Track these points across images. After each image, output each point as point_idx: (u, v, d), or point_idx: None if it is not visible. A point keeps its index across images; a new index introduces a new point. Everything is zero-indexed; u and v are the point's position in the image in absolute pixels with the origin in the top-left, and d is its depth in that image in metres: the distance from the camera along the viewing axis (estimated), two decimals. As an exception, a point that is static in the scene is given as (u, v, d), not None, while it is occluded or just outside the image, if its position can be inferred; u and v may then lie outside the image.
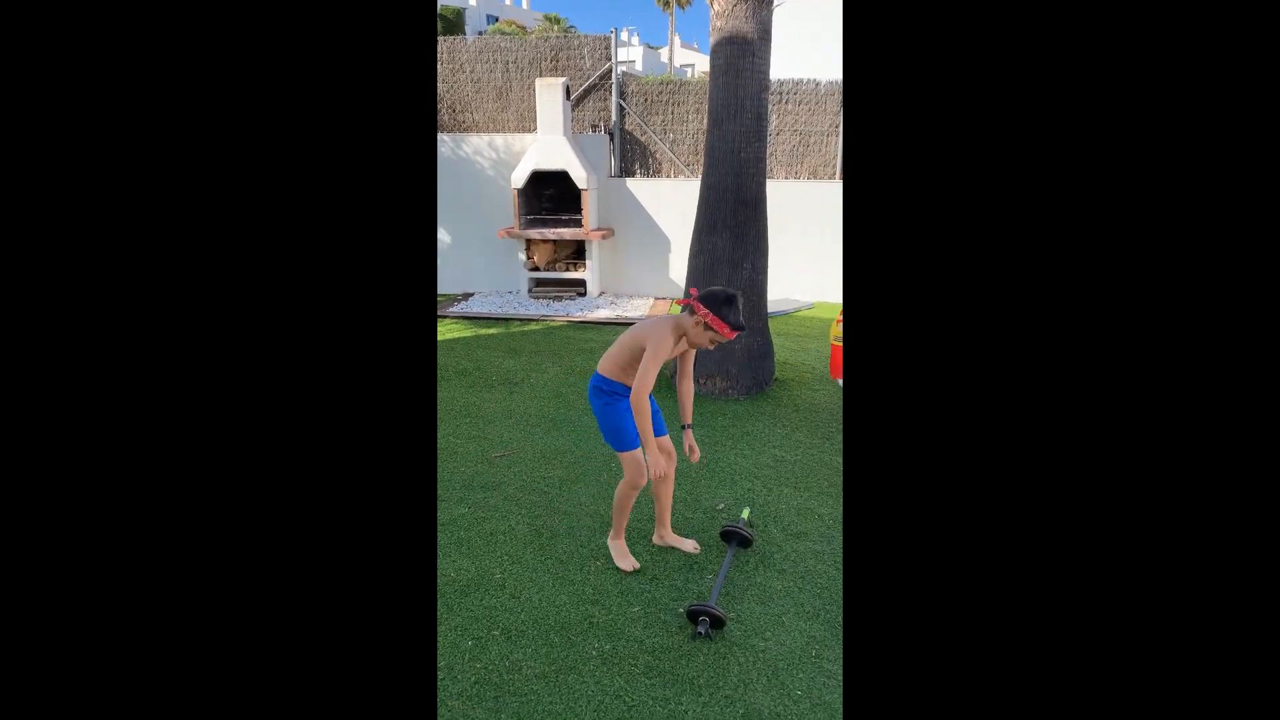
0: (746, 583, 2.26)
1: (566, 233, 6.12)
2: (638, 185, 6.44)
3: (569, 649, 1.95)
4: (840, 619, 2.08)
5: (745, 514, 2.52)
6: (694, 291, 2.12)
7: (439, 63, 6.58)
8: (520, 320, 5.70)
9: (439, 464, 3.10)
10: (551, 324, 5.61)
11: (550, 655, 1.93)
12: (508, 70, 6.54)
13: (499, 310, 5.96)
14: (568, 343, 5.04)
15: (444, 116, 6.73)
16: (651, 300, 6.48)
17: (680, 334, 2.11)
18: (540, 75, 6.45)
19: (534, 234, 6.15)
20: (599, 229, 6.31)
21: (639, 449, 2.15)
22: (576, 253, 6.62)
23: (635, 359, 2.12)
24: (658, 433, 2.24)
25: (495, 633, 2.02)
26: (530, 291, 6.46)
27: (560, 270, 6.48)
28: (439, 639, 1.99)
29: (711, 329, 2.05)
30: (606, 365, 2.20)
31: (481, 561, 2.37)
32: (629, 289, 6.68)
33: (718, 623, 1.99)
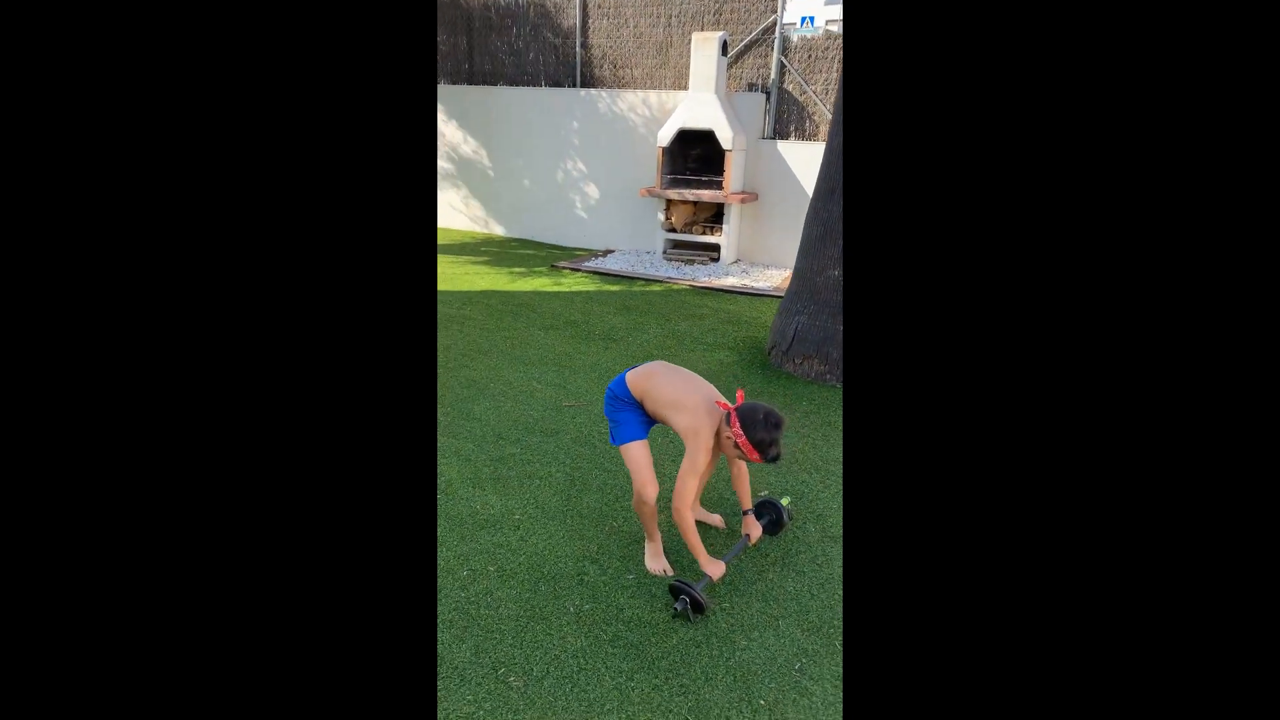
0: (756, 577, 2.09)
1: (705, 194, 5.96)
2: (789, 148, 6.06)
3: (550, 600, 1.96)
4: (841, 636, 1.85)
5: (785, 502, 2.32)
6: (740, 395, 1.91)
7: (604, 17, 6.65)
8: (645, 280, 5.71)
9: (513, 405, 3.24)
10: (674, 286, 5.55)
11: (531, 601, 1.95)
12: (670, 24, 6.43)
13: (629, 269, 6.02)
14: (680, 306, 4.96)
15: (605, 72, 6.82)
16: (787, 272, 6.13)
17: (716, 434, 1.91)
18: (702, 29, 6.26)
19: (673, 194, 6.07)
20: (740, 193, 6.06)
21: (632, 445, 1.99)
22: (716, 216, 6.44)
23: (659, 411, 1.97)
24: (640, 435, 2.03)
25: (491, 569, 2.09)
26: (665, 253, 6.43)
27: (696, 233, 6.35)
28: (445, 563, 2.10)
29: (739, 449, 1.83)
30: (636, 386, 2.02)
31: (509, 500, 2.45)
32: (766, 258, 6.38)
33: (698, 606, 1.87)
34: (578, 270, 6.00)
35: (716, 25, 6.23)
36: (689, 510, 1.90)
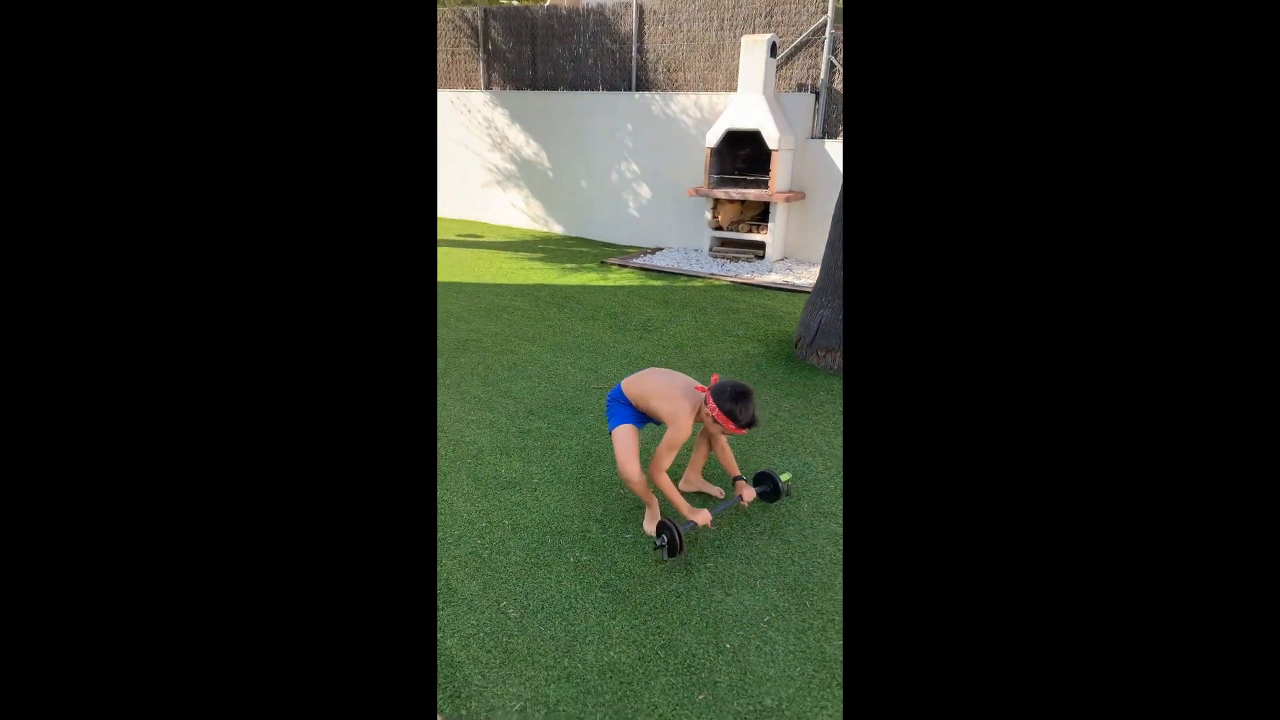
0: (744, 542, 2.27)
1: (751, 193, 6.09)
2: (838, 148, 6.10)
3: (554, 551, 2.20)
4: (814, 597, 2.00)
5: (785, 478, 2.47)
6: (715, 378, 2.15)
7: (659, 23, 6.88)
8: (688, 276, 5.90)
9: (547, 385, 3.51)
10: (716, 282, 5.71)
11: (536, 551, 2.20)
12: (722, 28, 6.59)
13: (674, 265, 6.22)
14: (719, 301, 5.12)
15: (659, 76, 7.05)
16: (832, 271, 6.17)
17: (698, 417, 2.17)
18: (754, 32, 6.38)
19: (719, 193, 6.23)
20: (786, 192, 6.15)
21: (619, 427, 2.25)
22: (762, 215, 6.54)
23: (648, 405, 2.24)
24: (628, 421, 2.28)
25: (506, 522, 2.35)
26: (711, 250, 6.60)
27: (743, 231, 6.48)
28: (468, 516, 2.38)
29: (718, 423, 2.08)
30: (630, 390, 2.29)
31: (531, 466, 2.72)
32: (812, 256, 6.43)
33: (675, 547, 2.06)
34: (625, 266, 6.25)
35: (767, 28, 6.34)
36: (664, 474, 2.14)
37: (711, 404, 2.06)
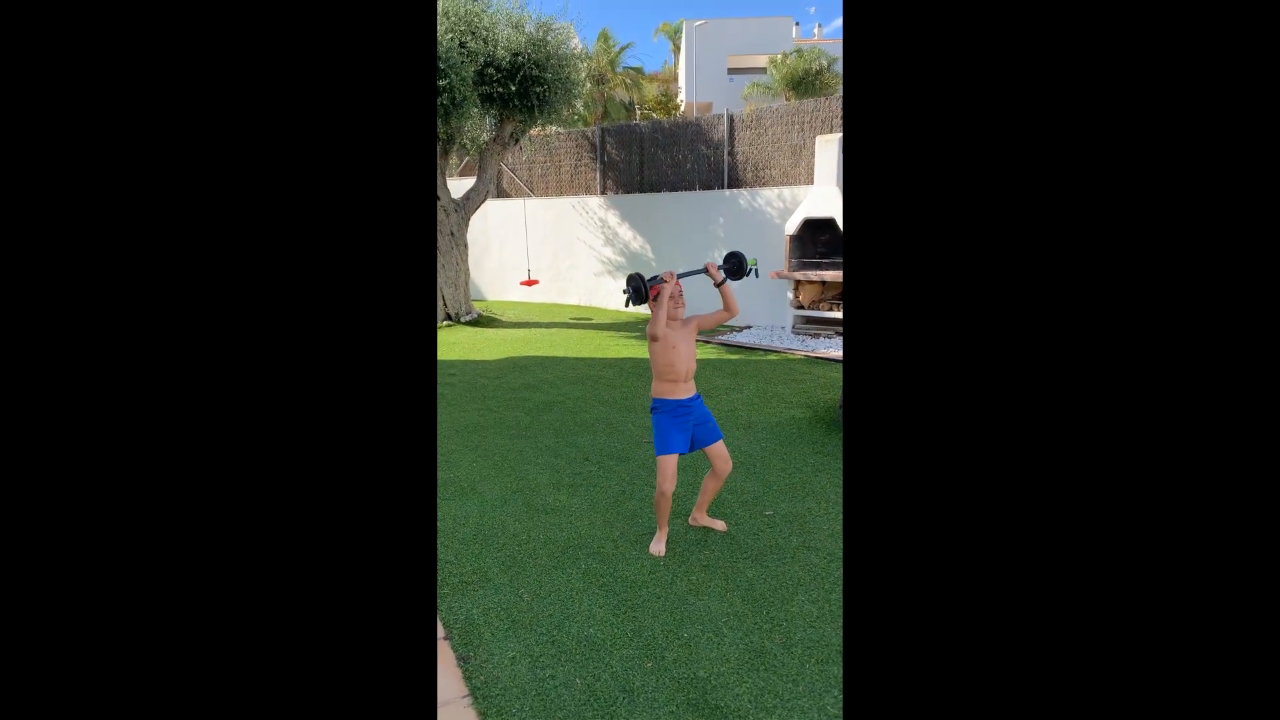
0: (728, 564, 2.65)
1: (828, 275, 6.50)
2: (913, 230, 6.38)
3: (571, 559, 2.73)
4: (771, 609, 2.34)
5: (752, 261, 2.85)
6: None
7: (748, 129, 7.71)
8: (765, 350, 6.34)
9: (606, 438, 4.12)
10: (790, 356, 6.10)
11: (558, 558, 2.74)
12: (803, 129, 7.27)
13: (755, 341, 6.70)
14: (786, 373, 5.51)
15: (747, 174, 7.82)
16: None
17: (663, 319, 2.68)
18: (831, 132, 6.99)
19: (799, 275, 6.71)
20: (862, 272, 6.48)
21: (665, 457, 2.70)
22: (842, 294, 6.88)
23: (658, 369, 2.79)
24: (713, 438, 2.78)
25: (541, 537, 2.93)
26: (793, 328, 7.00)
27: (823, 309, 6.85)
28: (513, 531, 2.99)
29: (660, 293, 2.66)
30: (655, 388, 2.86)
31: (574, 499, 3.30)
32: (894, 333, 6.61)
33: (640, 295, 2.57)
34: (709, 342, 6.82)
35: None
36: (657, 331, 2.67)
37: (650, 301, 2.71)
